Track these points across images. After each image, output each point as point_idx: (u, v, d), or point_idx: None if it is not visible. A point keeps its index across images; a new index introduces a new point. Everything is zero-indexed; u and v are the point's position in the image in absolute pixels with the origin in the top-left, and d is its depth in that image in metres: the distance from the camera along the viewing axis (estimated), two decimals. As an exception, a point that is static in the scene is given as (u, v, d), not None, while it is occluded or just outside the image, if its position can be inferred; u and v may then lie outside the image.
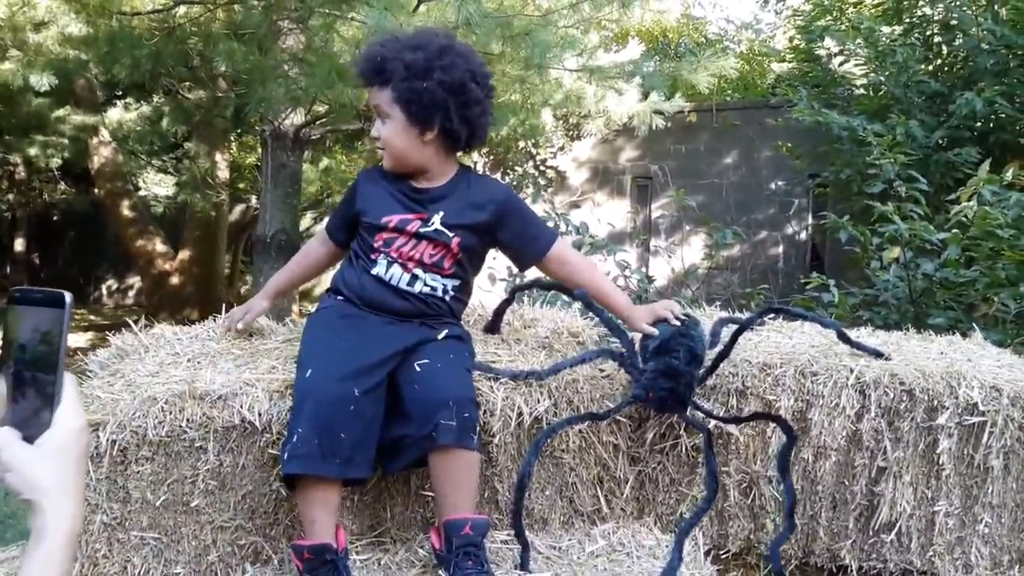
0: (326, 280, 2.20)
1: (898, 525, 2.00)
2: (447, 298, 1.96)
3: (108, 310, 12.18)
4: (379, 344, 1.80)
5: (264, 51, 4.68)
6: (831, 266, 7.36)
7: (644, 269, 7.01)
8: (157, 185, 10.92)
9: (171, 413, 1.75)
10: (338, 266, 2.09)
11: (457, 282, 1.97)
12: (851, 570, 2.06)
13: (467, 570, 1.68)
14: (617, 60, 6.11)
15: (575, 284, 2.07)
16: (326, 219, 2.13)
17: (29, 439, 0.92)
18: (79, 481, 0.93)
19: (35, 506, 0.90)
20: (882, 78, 6.28)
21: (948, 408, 1.95)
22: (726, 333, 2.11)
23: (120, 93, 8.30)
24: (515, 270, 4.06)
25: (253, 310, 2.15)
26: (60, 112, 7.89)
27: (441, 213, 1.93)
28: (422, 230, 1.91)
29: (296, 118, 5.53)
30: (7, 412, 0.93)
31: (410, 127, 1.90)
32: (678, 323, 2.00)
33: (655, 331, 2.02)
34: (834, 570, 2.10)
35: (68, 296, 0.94)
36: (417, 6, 4.48)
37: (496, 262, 3.46)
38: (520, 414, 1.91)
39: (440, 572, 1.72)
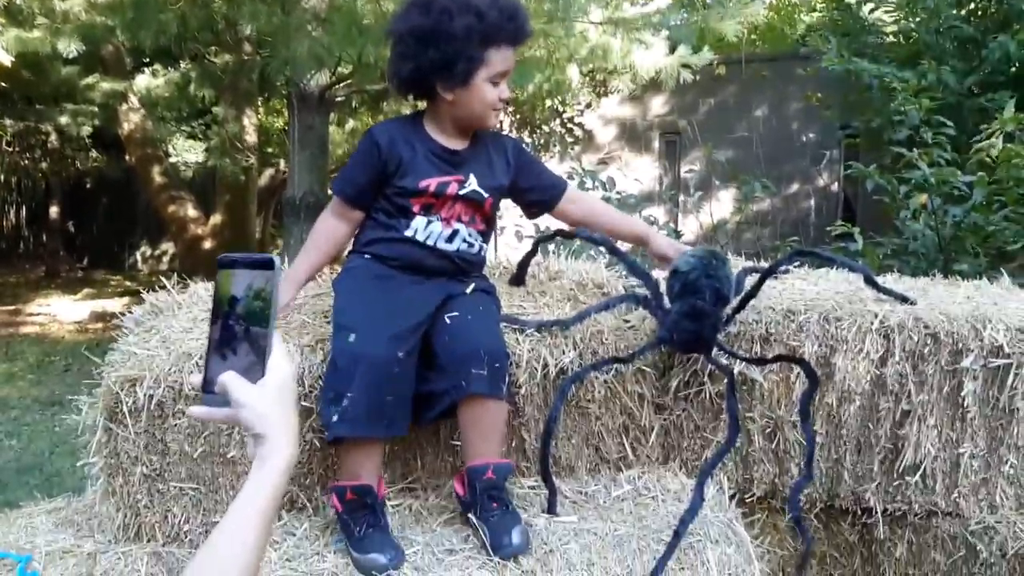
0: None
1: (923, 467, 2.01)
2: (482, 253, 1.99)
3: (143, 275, 12.34)
4: (414, 306, 1.82)
5: (287, 11, 4.69)
6: (864, 217, 7.28)
7: (672, 225, 6.99)
8: (187, 151, 11.00)
9: (206, 367, 1.79)
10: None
11: (483, 238, 2.00)
12: (876, 512, 2.08)
13: (492, 512, 1.72)
14: (643, 12, 5.99)
15: (593, 222, 2.11)
16: (336, 188, 2.00)
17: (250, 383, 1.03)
18: (295, 418, 1.06)
19: (261, 438, 1.02)
20: (913, 24, 6.17)
21: (973, 351, 1.95)
22: (750, 282, 2.12)
23: (147, 59, 8.34)
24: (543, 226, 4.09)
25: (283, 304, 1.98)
26: (89, 80, 7.94)
27: (474, 174, 1.93)
28: (460, 192, 1.91)
29: (321, 79, 5.54)
30: (218, 361, 1.03)
31: None
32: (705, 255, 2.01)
33: (675, 253, 2.08)
34: (859, 512, 2.12)
35: (277, 258, 1.02)
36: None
37: (524, 219, 3.47)
38: (546, 366, 1.93)
39: (469, 516, 1.76)
